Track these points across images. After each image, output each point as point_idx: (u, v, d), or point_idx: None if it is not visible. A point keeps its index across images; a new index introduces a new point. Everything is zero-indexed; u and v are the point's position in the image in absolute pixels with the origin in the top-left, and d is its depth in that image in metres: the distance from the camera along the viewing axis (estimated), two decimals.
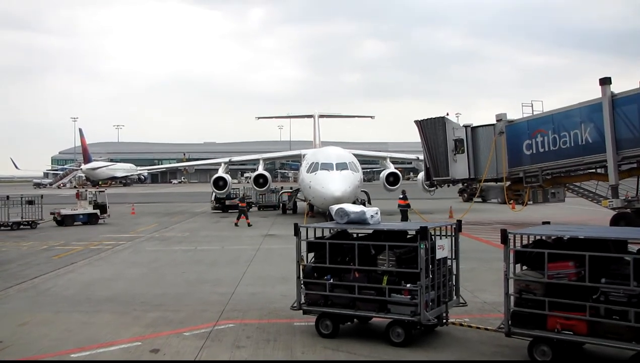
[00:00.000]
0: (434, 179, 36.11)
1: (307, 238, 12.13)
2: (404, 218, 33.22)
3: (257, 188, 45.83)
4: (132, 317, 13.17)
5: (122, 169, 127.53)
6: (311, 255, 12.15)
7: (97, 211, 37.79)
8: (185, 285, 17.07)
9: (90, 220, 37.17)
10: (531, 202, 33.40)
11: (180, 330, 12.00)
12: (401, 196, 35.79)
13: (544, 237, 10.41)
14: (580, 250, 9.32)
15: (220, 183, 45.14)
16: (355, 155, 40.57)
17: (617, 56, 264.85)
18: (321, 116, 60.50)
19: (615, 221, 27.15)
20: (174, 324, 12.49)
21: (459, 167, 34.21)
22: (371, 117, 67.66)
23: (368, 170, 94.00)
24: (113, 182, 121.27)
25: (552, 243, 10.22)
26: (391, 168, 47.12)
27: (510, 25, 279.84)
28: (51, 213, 36.58)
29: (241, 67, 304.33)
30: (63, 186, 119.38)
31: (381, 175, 48.69)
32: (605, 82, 27.88)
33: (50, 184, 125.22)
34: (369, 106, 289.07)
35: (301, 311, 11.88)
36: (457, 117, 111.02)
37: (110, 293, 15.92)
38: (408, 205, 35.05)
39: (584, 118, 29.08)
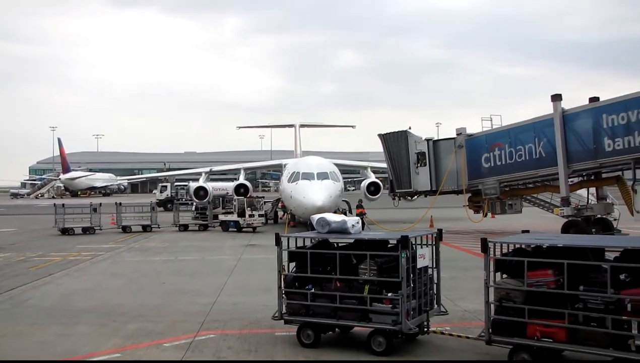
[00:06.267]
0: (397, 191, 37.12)
1: (288, 248, 12.11)
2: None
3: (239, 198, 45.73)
4: (111, 329, 13.05)
5: (101, 179, 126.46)
6: (292, 264, 12.14)
7: None
8: (166, 295, 16.95)
9: None
10: (499, 212, 33.81)
11: (160, 341, 11.91)
12: (357, 204, 37.46)
13: (523, 246, 10.52)
14: (559, 259, 9.42)
15: (200, 193, 44.91)
16: (337, 164, 40.75)
17: (590, 68, 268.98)
18: (302, 126, 60.72)
19: (566, 228, 28.33)
20: (154, 335, 12.39)
21: (421, 179, 35.23)
22: (352, 126, 68.56)
23: (349, 179, 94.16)
24: (92, 192, 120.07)
25: (532, 252, 10.32)
26: (372, 177, 47.48)
27: (485, 37, 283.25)
28: None
29: (220, 77, 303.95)
30: (41, 196, 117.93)
31: (362, 184, 48.91)
32: (556, 98, 29.34)
33: (28, 194, 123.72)
34: (349, 116, 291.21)
35: (282, 321, 11.85)
36: (437, 126, 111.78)
37: (89, 305, 15.76)
38: (362, 213, 36.02)
39: (538, 133, 30.35)
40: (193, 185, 52.20)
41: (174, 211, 43.32)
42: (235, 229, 37.41)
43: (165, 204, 63.63)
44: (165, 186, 71.13)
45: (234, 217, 38.02)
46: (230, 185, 50.39)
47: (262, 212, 39.59)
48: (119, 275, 21.03)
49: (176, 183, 72.32)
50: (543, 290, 9.53)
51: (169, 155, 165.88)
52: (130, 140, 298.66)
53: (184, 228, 40.28)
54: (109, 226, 39.74)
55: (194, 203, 44.55)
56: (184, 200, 55.11)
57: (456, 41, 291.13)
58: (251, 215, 37.70)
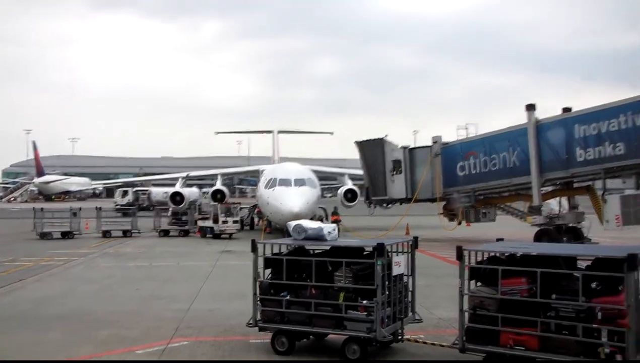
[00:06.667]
0: (372, 198, 37.23)
1: (264, 254, 12.06)
2: None
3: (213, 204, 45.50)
4: (84, 335, 12.87)
5: (76, 183, 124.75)
6: (268, 271, 12.10)
7: None
8: (140, 301, 16.77)
9: None
10: (473, 221, 34.15)
11: (133, 348, 11.77)
12: (333, 211, 37.80)
13: (497, 254, 10.59)
14: (532, 267, 9.51)
15: (177, 198, 44.65)
16: (314, 171, 40.76)
17: (569, 77, 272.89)
18: (280, 132, 60.62)
19: (538, 237, 28.74)
20: (127, 342, 12.24)
21: (397, 187, 35.40)
22: (330, 133, 68.23)
23: (327, 186, 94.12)
24: (67, 197, 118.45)
25: (506, 260, 10.39)
26: (349, 184, 47.61)
27: (465, 45, 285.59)
28: None
29: (198, 81, 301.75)
30: (14, 200, 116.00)
31: (339, 191, 48.95)
32: (530, 108, 29.78)
33: (0, 198, 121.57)
34: (328, 123, 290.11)
35: (257, 328, 11.78)
36: (415, 134, 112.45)
37: (61, 311, 15.51)
38: (337, 220, 36.08)
39: (512, 142, 30.74)
40: (156, 190, 52.21)
41: (154, 216, 42.54)
42: (211, 235, 37.09)
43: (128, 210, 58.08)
44: (126, 191, 69.23)
45: (210, 223, 37.70)
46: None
47: (237, 218, 39.19)
48: (93, 280, 20.76)
49: (136, 189, 70.61)
50: (516, 298, 9.61)
51: (145, 160, 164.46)
52: (106, 144, 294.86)
53: (165, 233, 39.61)
54: (89, 231, 39.07)
55: (170, 209, 43.99)
56: (145, 205, 54.27)
57: (434, 49, 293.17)
58: (225, 222, 37.30)
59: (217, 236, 36.87)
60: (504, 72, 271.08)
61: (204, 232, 37.99)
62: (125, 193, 69.21)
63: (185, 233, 39.88)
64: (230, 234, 37.22)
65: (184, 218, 41.15)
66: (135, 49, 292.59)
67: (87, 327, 13.64)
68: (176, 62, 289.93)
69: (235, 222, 38.30)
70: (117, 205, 60.87)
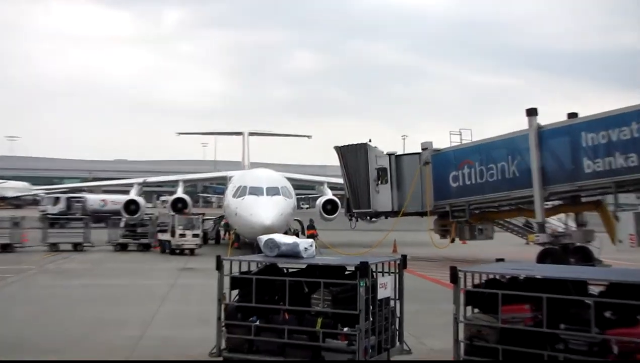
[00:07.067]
0: (354, 211, 36.96)
1: (230, 273, 11.93)
2: None
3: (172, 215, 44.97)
4: None
5: (13, 188, 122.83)
6: (235, 292, 11.98)
7: None
8: (84, 327, 16.41)
9: None
10: (468, 238, 34.26)
11: None
12: (308, 224, 36.71)
13: (497, 276, 10.55)
14: (537, 292, 9.42)
15: (131, 207, 44.01)
16: (289, 179, 40.79)
17: (574, 78, 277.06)
18: (252, 134, 60.66)
19: (542, 257, 28.39)
20: None
21: (382, 199, 35.20)
22: (308, 136, 68.19)
23: (303, 196, 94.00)
24: (2, 203, 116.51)
25: (507, 284, 10.35)
26: (329, 194, 47.73)
27: (455, 41, 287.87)
28: None
29: (158, 76, 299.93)
30: None
31: (317, 202, 48.89)
32: (531, 113, 29.69)
33: None
34: (305, 125, 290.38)
35: (221, 358, 11.62)
36: (404, 139, 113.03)
37: None
38: (313, 235, 36.24)
39: (511, 150, 30.76)
40: (93, 198, 51.38)
41: (109, 227, 41.78)
42: (169, 251, 36.68)
43: (56, 220, 51.26)
44: (58, 198, 67.33)
45: (168, 236, 37.27)
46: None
47: (198, 232, 38.60)
48: (31, 302, 20.34)
49: (69, 195, 68.82)
50: (519, 327, 9.52)
51: (95, 163, 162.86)
52: (50, 144, 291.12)
53: (122, 247, 39.01)
54: (33, 243, 38.08)
55: (124, 219, 43.31)
56: (78, 215, 53.12)
57: (425, 45, 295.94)
58: (182, 235, 36.74)
59: (173, 251, 36.30)
60: (503, 72, 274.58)
61: (163, 247, 37.50)
62: (57, 200, 67.23)
63: (146, 248, 39.26)
64: (192, 250, 36.58)
65: (139, 230, 40.47)
66: (85, 39, 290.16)
67: (22, 356, 13.24)
68: (132, 53, 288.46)
69: (195, 235, 37.67)
70: (44, 213, 57.95)
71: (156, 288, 22.95)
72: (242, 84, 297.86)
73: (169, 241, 37.25)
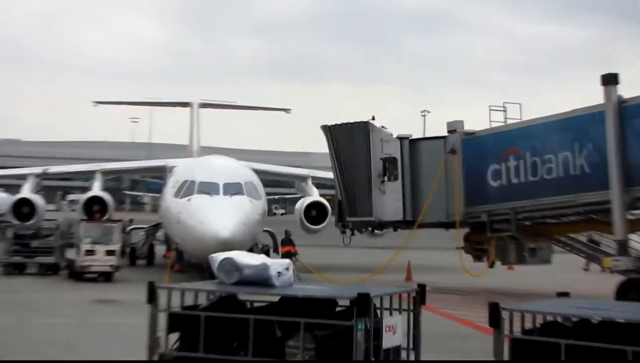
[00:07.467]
0: (349, 219, 33.95)
1: (169, 308, 10.72)
2: None
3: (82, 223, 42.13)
4: None
5: None
6: (175, 337, 10.87)
7: None
8: None
9: None
10: (514, 261, 32.26)
11: None
12: (284, 238, 35.27)
13: (559, 319, 9.80)
14: (617, 342, 8.40)
15: (23, 209, 40.50)
16: (258, 171, 38.99)
17: None
18: (204, 105, 57.49)
19: (623, 291, 26.31)
20: None
21: (389, 202, 32.26)
22: (286, 110, 64.74)
23: (277, 197, 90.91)
24: None
25: (573, 329, 9.46)
26: (314, 195, 45.35)
27: None
28: None
29: (64, 20, 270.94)
30: None
31: (298, 205, 46.38)
32: (609, 80, 27.25)
33: None
34: (282, 95, 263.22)
35: None
36: (423, 116, 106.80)
37: None
38: (290, 253, 33.66)
39: (579, 134, 28.35)
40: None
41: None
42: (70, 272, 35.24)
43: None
44: None
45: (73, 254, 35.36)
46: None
47: (114, 247, 34.21)
48: None
49: None
50: None
51: None
52: None
53: (16, 268, 35.66)
54: None
55: (11, 228, 38.75)
56: None
57: None
58: (90, 252, 32.87)
59: (78, 275, 33.20)
60: (568, 19, 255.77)
61: (71, 269, 34.74)
62: None
63: (54, 269, 35.92)
64: (106, 274, 33.09)
65: (34, 243, 36.96)
66: None
67: None
68: None
69: (111, 252, 33.62)
70: None
71: (58, 330, 21.34)
72: (191, 32, 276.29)
73: (74, 260, 34.22)
